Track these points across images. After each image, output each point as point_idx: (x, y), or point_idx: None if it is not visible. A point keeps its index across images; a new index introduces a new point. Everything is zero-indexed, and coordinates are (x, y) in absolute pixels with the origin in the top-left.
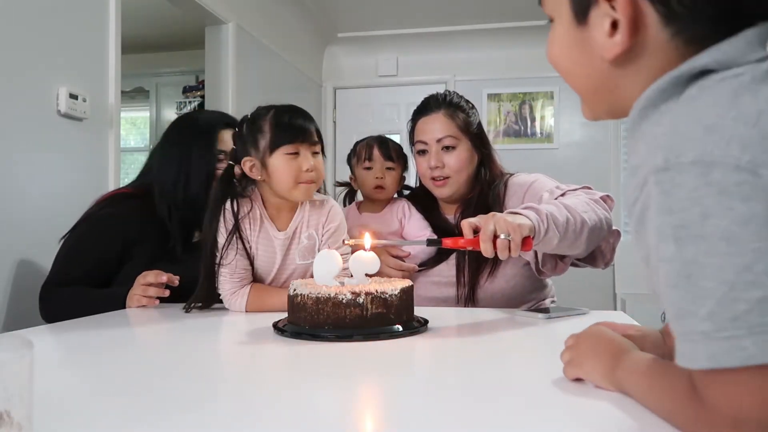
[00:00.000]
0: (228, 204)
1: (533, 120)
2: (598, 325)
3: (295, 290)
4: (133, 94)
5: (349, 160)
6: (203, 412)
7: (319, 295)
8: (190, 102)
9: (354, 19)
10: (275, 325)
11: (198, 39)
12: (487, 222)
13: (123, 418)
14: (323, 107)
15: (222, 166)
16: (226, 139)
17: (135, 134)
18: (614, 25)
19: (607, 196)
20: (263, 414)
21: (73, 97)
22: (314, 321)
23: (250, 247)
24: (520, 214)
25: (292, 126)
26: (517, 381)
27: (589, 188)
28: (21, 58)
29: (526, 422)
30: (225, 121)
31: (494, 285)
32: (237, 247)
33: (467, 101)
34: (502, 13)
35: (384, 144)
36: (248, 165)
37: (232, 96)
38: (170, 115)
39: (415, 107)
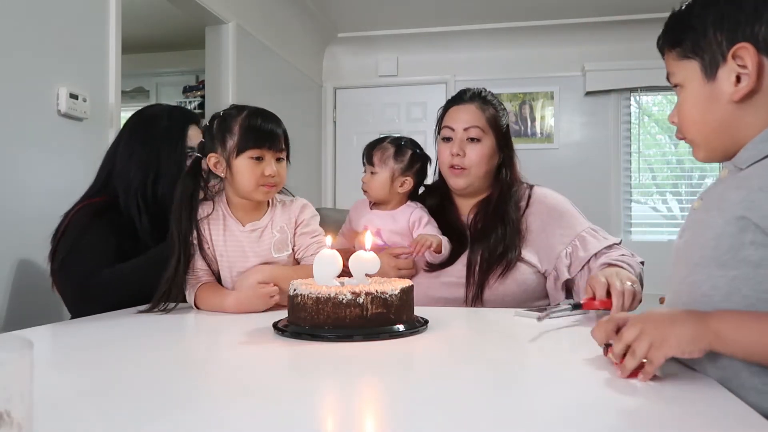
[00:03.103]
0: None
1: (533, 120)
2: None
3: (295, 290)
4: (133, 94)
5: None
6: (203, 412)
7: (319, 295)
8: (190, 102)
9: (354, 19)
10: (275, 325)
11: (198, 39)
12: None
13: (123, 418)
14: (323, 107)
15: (190, 162)
16: (192, 135)
17: None
18: (737, 76)
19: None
20: (263, 414)
21: (73, 97)
22: (314, 321)
23: (212, 248)
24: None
25: (261, 131)
26: (517, 380)
27: (619, 245)
28: (21, 58)
29: (526, 421)
30: (190, 117)
31: (504, 287)
32: (195, 248)
33: (500, 102)
34: (502, 13)
35: (370, 148)
36: (213, 161)
37: (233, 96)
38: None
39: (415, 106)
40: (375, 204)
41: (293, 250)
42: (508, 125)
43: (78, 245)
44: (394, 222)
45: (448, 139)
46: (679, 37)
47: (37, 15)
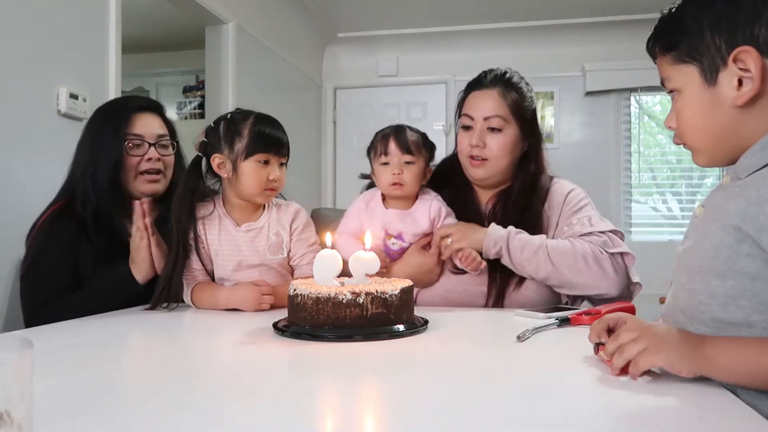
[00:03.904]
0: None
1: None
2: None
3: (295, 290)
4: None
5: (368, 153)
6: (203, 412)
7: (319, 295)
8: (190, 102)
9: (354, 19)
10: (275, 325)
11: (198, 39)
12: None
13: (123, 418)
14: (323, 107)
15: (137, 152)
16: (141, 123)
17: None
18: (739, 80)
19: (626, 254)
20: (263, 414)
21: (73, 97)
22: (314, 321)
23: (207, 247)
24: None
25: (270, 137)
26: (517, 380)
27: (617, 232)
28: (21, 58)
29: (526, 421)
30: (139, 104)
31: (520, 295)
32: (192, 248)
33: (527, 84)
34: (502, 13)
35: (401, 135)
36: (217, 161)
37: (232, 96)
38: (170, 114)
39: (415, 106)
40: (388, 201)
41: (288, 255)
42: (534, 110)
43: (34, 269)
44: (416, 223)
45: (467, 128)
46: (673, 41)
47: (37, 15)
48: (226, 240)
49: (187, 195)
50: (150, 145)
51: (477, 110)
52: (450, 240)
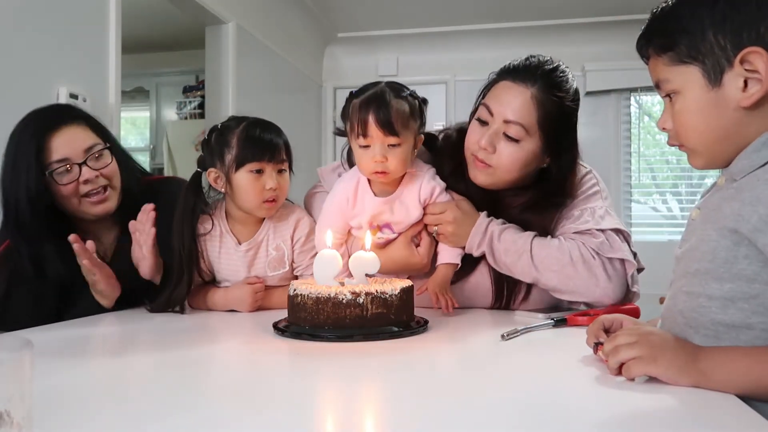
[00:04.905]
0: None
1: None
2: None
3: (295, 290)
4: (133, 94)
5: (342, 118)
6: (203, 412)
7: (319, 295)
8: (190, 102)
9: (354, 19)
10: (275, 325)
11: (198, 39)
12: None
13: (123, 418)
14: (323, 107)
15: (69, 179)
16: (60, 144)
17: (135, 134)
18: (744, 81)
19: (623, 261)
20: (263, 414)
21: (73, 97)
22: (314, 321)
23: (208, 262)
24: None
25: (260, 142)
26: (516, 381)
27: (621, 232)
28: (21, 57)
29: (525, 421)
30: (50, 123)
31: (528, 305)
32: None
33: (575, 92)
34: (502, 13)
35: (384, 109)
36: (213, 176)
37: (232, 96)
38: (170, 115)
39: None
40: (375, 185)
41: (292, 266)
42: (573, 125)
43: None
44: (406, 210)
45: (482, 122)
46: (671, 41)
47: (37, 15)
48: (226, 259)
49: (187, 215)
50: (80, 165)
51: (500, 106)
52: (437, 229)
